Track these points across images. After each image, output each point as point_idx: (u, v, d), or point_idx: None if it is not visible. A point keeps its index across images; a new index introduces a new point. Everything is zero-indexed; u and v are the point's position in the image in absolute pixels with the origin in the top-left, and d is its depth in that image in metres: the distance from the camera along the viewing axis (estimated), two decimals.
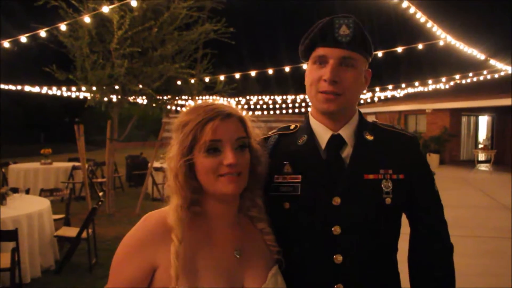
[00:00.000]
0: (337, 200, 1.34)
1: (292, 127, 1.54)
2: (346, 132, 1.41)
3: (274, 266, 1.31)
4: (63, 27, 6.94)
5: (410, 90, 18.70)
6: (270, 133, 1.55)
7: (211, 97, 9.80)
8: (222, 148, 1.20)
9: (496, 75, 15.02)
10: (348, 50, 1.33)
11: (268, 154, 1.41)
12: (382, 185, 1.36)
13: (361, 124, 1.45)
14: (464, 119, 20.82)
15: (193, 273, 1.17)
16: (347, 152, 1.40)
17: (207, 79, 9.50)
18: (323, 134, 1.42)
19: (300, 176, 1.39)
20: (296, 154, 1.43)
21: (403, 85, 17.48)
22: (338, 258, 1.33)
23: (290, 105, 25.25)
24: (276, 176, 1.40)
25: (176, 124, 1.27)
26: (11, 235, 3.99)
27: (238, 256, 1.26)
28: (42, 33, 6.99)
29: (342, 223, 1.33)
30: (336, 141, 1.41)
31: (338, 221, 1.33)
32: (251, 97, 23.91)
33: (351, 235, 1.33)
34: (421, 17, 7.35)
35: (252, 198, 1.33)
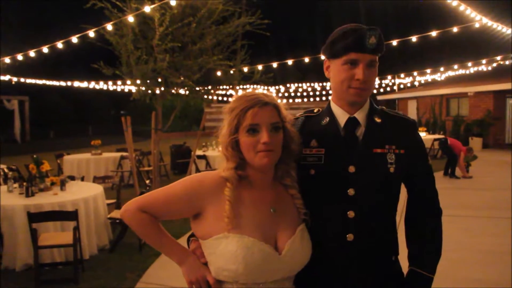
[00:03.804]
0: (352, 168, 1.67)
1: (316, 110, 1.88)
2: (360, 115, 1.75)
3: (302, 223, 1.63)
4: (109, 26, 7.43)
5: (451, 73, 18.33)
6: (298, 115, 1.90)
7: (252, 86, 10.13)
8: (260, 129, 1.51)
9: None
10: (373, 55, 1.68)
11: (298, 131, 1.75)
12: (387, 157, 1.70)
13: (371, 109, 1.79)
14: (509, 102, 20.15)
15: (236, 223, 1.49)
16: (360, 131, 1.73)
17: (245, 69, 9.82)
18: (341, 116, 1.76)
19: (323, 149, 1.73)
20: (320, 132, 1.77)
21: (442, 69, 17.17)
22: (351, 213, 1.66)
23: (331, 92, 25.15)
24: (304, 149, 1.74)
25: (226, 108, 1.59)
26: (72, 215, 4.52)
27: (273, 212, 1.57)
28: (91, 33, 7.51)
29: (355, 186, 1.67)
30: (352, 122, 1.74)
31: (353, 185, 1.67)
32: (291, 85, 24.08)
33: (362, 196, 1.67)
34: (452, 1, 7.37)
35: (286, 169, 1.64)
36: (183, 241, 1.72)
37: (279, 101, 1.65)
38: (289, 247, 1.53)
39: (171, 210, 1.59)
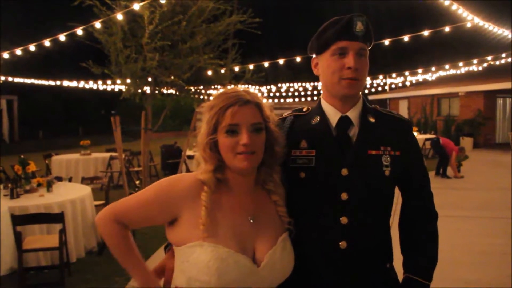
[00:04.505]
0: (345, 171, 1.58)
1: (305, 109, 1.78)
2: (353, 114, 1.65)
3: (284, 232, 1.51)
4: (97, 24, 7.31)
5: (442, 73, 18.39)
6: (285, 114, 1.80)
7: (243, 86, 10.03)
8: (240, 130, 1.40)
9: None
10: (362, 42, 1.59)
11: (286, 132, 1.68)
12: (383, 160, 1.61)
13: (364, 108, 1.69)
14: (499, 101, 20.32)
15: (212, 231, 1.38)
16: (353, 131, 1.64)
17: (236, 69, 9.74)
18: (333, 115, 1.66)
19: (314, 150, 1.62)
20: (310, 132, 1.67)
21: (433, 69, 17.22)
22: (344, 219, 1.56)
23: (322, 92, 25.11)
24: (293, 150, 1.64)
25: (205, 106, 1.49)
26: (58, 217, 4.40)
27: (251, 221, 1.46)
28: (79, 31, 7.38)
29: (349, 190, 1.57)
30: (344, 122, 1.65)
31: (346, 189, 1.57)
32: (282, 84, 24.02)
33: (356, 200, 1.57)
34: (444, 0, 7.34)
35: (269, 173, 1.53)
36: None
37: (266, 100, 1.55)
38: (268, 258, 1.42)
39: (144, 217, 1.48)
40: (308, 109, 1.77)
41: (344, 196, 1.57)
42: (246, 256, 1.40)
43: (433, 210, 1.72)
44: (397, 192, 1.73)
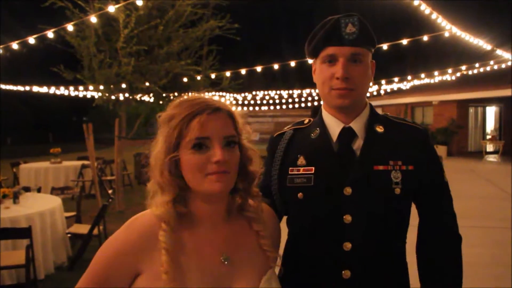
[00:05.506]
0: (348, 190, 1.38)
1: (306, 121, 1.60)
2: (357, 125, 1.46)
3: (269, 270, 1.25)
4: (70, 27, 7.02)
5: (417, 82, 18.63)
6: (285, 128, 1.62)
7: (220, 93, 9.83)
8: (210, 144, 1.14)
9: (504, 65, 14.87)
10: (355, 46, 1.39)
11: (283, 148, 1.51)
12: (392, 176, 1.40)
13: (372, 117, 1.50)
14: (471, 110, 20.70)
15: (178, 280, 1.12)
16: (358, 144, 1.45)
17: (213, 76, 9.59)
18: (335, 127, 1.47)
19: (313, 168, 1.44)
20: (309, 147, 1.48)
21: (409, 77, 17.43)
22: (347, 245, 1.37)
23: (297, 100, 25.22)
24: (291, 168, 1.47)
25: (161, 118, 1.20)
26: (25, 232, 4.08)
27: (225, 262, 1.19)
28: (50, 34, 7.08)
29: (352, 212, 1.38)
30: (347, 134, 1.46)
31: (349, 210, 1.38)
32: (257, 92, 23.91)
33: (361, 224, 1.38)
34: (425, 9, 7.37)
35: (245, 198, 1.28)
36: None
37: (239, 108, 1.31)
38: None
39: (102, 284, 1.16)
40: (309, 121, 1.59)
41: (347, 218, 1.38)
42: None
43: (455, 232, 1.50)
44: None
